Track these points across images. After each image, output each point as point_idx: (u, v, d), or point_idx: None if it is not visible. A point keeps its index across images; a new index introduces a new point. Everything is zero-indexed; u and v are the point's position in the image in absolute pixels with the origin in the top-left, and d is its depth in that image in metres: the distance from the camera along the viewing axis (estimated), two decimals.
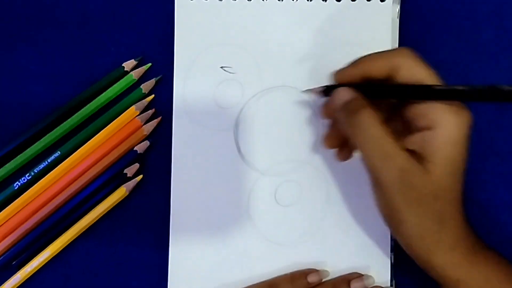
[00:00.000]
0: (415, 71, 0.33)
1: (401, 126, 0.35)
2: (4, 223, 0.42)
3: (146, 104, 0.43)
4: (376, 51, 0.42)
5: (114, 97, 0.43)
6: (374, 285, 0.42)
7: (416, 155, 0.33)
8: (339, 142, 0.39)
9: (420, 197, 0.33)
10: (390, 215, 0.35)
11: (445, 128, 0.32)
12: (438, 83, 0.33)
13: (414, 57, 0.34)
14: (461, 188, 0.34)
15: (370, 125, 0.33)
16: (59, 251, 0.42)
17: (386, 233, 0.42)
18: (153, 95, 0.43)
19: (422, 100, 0.33)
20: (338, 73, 0.36)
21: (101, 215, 0.42)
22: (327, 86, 0.37)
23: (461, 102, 0.33)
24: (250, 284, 0.42)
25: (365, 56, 0.35)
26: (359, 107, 0.34)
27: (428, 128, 0.33)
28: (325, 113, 0.39)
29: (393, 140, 0.33)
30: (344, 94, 0.35)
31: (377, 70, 0.34)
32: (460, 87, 0.32)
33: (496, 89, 0.31)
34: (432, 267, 0.35)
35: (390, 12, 0.43)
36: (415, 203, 0.33)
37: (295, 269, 0.42)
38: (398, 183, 0.33)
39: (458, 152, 0.33)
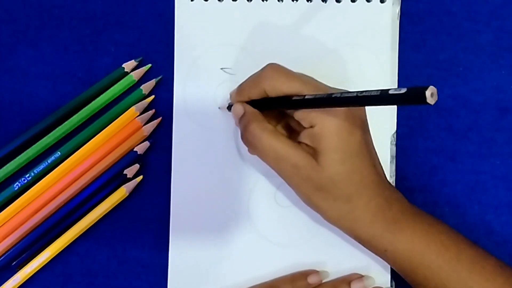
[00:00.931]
0: (277, 87, 0.37)
1: (298, 127, 0.38)
2: (4, 223, 0.42)
3: (146, 105, 0.43)
4: (376, 52, 0.43)
5: (114, 98, 0.43)
6: (374, 285, 0.42)
7: (309, 148, 0.36)
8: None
9: (320, 186, 0.36)
10: (307, 203, 0.38)
11: (321, 124, 0.35)
12: (304, 90, 0.36)
13: (275, 74, 0.37)
14: (365, 169, 0.36)
15: (259, 134, 0.37)
16: (59, 251, 0.42)
17: None
18: (153, 96, 0.43)
19: (290, 108, 0.37)
20: (232, 95, 0.41)
21: (101, 216, 0.42)
22: (229, 104, 0.42)
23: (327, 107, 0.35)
24: (250, 285, 0.42)
25: (243, 83, 0.40)
26: (249, 121, 0.38)
27: (310, 126, 0.36)
28: (237, 124, 0.42)
29: (283, 144, 0.37)
30: (237, 109, 0.39)
31: (254, 93, 0.39)
32: (311, 97, 0.35)
33: (330, 97, 0.33)
34: (360, 240, 0.39)
35: (390, 13, 0.43)
36: (318, 191, 0.36)
37: (295, 270, 0.42)
38: (296, 177, 0.37)
39: (341, 141, 0.35)
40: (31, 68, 0.44)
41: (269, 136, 0.37)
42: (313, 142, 0.36)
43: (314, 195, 0.37)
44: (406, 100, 0.27)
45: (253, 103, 0.39)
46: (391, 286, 0.42)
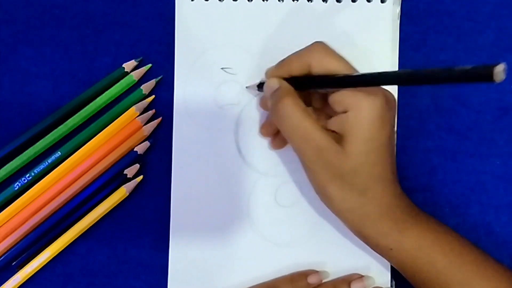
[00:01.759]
0: (324, 63, 0.36)
1: (331, 111, 0.38)
2: (4, 223, 0.42)
3: (146, 105, 0.43)
4: (376, 52, 0.43)
5: (114, 97, 0.43)
6: (374, 286, 0.42)
7: (337, 135, 0.36)
8: (274, 130, 0.42)
9: (340, 174, 0.36)
10: (320, 192, 0.38)
11: (357, 110, 0.35)
12: (349, 72, 0.36)
13: (323, 51, 0.37)
14: (386, 164, 0.36)
15: (290, 110, 0.36)
16: (59, 251, 0.42)
17: None
18: (153, 96, 0.43)
19: (331, 87, 0.36)
20: (269, 70, 0.40)
21: (101, 216, 0.42)
22: (261, 82, 0.41)
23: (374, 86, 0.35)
24: (250, 285, 0.42)
25: (285, 58, 0.39)
26: (283, 95, 0.37)
27: (344, 111, 0.36)
28: (262, 104, 0.42)
29: (311, 123, 0.36)
30: (272, 83, 0.38)
31: (296, 69, 0.38)
32: (359, 74, 0.35)
33: (391, 74, 0.33)
34: (365, 238, 0.38)
35: (391, 13, 0.43)
36: (337, 179, 0.36)
37: (295, 270, 0.42)
38: (318, 161, 0.36)
39: (373, 131, 0.35)
40: (32, 68, 0.44)
41: (301, 113, 0.36)
42: (342, 129, 0.36)
43: (330, 183, 0.36)
44: (473, 77, 0.27)
45: (289, 81, 0.38)
46: (391, 286, 0.42)
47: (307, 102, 0.39)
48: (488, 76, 0.26)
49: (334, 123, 0.36)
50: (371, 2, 0.43)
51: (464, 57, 0.44)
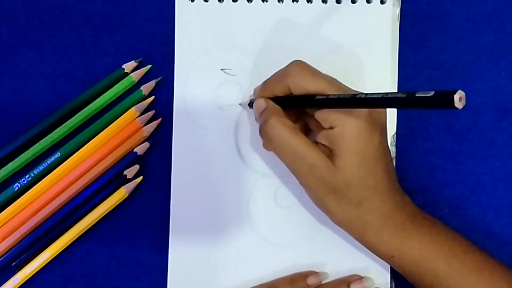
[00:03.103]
0: (301, 84, 0.37)
1: (318, 127, 0.38)
2: (4, 224, 0.42)
3: (146, 105, 0.43)
4: (376, 53, 0.43)
5: (114, 98, 0.43)
6: (374, 287, 0.42)
7: (327, 149, 0.36)
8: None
9: (334, 188, 0.36)
10: (318, 205, 0.38)
11: (342, 126, 0.35)
12: (328, 90, 0.36)
13: (300, 71, 0.37)
14: (379, 175, 0.36)
15: (278, 130, 0.37)
16: (59, 252, 0.42)
17: None
18: (153, 97, 0.43)
19: (312, 107, 0.37)
20: (256, 89, 0.41)
21: (101, 217, 0.42)
22: (251, 100, 0.42)
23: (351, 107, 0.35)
24: (250, 286, 0.42)
25: (267, 79, 0.40)
26: (269, 116, 0.37)
27: (330, 127, 0.36)
28: (256, 122, 0.41)
29: (301, 142, 0.36)
30: (259, 103, 0.39)
31: (277, 90, 0.38)
32: (334, 96, 0.35)
33: (361, 98, 0.33)
34: (368, 246, 0.38)
35: (391, 14, 0.43)
36: (331, 194, 0.36)
37: (295, 271, 0.42)
38: (311, 178, 0.36)
39: (360, 145, 0.35)
40: (31, 69, 0.44)
41: (289, 132, 0.37)
42: (331, 144, 0.36)
43: (326, 197, 0.37)
44: (432, 103, 0.27)
45: (275, 100, 0.39)
46: (391, 287, 0.42)
47: (297, 118, 0.40)
48: (449, 102, 0.26)
49: (323, 138, 0.37)
50: (371, 3, 0.43)
51: (464, 58, 0.44)
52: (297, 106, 0.38)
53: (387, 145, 0.37)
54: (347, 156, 0.35)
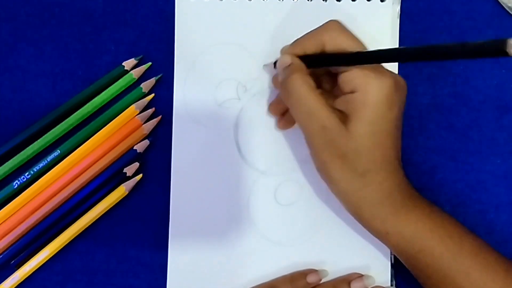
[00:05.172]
0: (338, 41, 0.36)
1: (339, 93, 0.38)
2: (3, 222, 0.42)
3: (146, 103, 0.43)
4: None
5: (114, 96, 0.43)
6: (375, 285, 0.42)
7: (343, 115, 0.36)
8: (282, 109, 0.42)
9: (342, 154, 0.35)
10: (321, 170, 0.38)
11: (365, 91, 0.35)
12: (362, 49, 0.36)
13: (338, 29, 0.37)
14: (389, 148, 0.36)
15: (299, 86, 0.36)
16: (58, 250, 0.42)
17: None
18: (153, 94, 0.43)
19: (343, 65, 0.36)
20: (284, 48, 0.40)
21: (101, 214, 0.42)
22: (277, 60, 0.41)
23: (382, 63, 0.36)
24: (250, 284, 0.42)
25: (301, 37, 0.39)
26: (293, 71, 0.37)
27: (352, 92, 0.36)
28: (275, 82, 0.42)
29: (318, 101, 0.36)
30: (285, 59, 0.38)
31: (310, 47, 0.38)
32: (370, 51, 0.35)
33: (403, 50, 0.33)
34: (362, 221, 0.38)
35: (390, 12, 0.43)
36: (339, 158, 0.36)
37: (295, 269, 0.42)
38: (321, 139, 0.36)
39: (379, 114, 0.35)
40: (31, 66, 0.44)
41: (309, 89, 0.36)
42: (348, 109, 0.36)
43: (332, 162, 0.36)
44: (484, 51, 0.28)
45: (302, 59, 0.38)
46: (392, 285, 0.42)
47: (318, 85, 0.39)
48: (501, 51, 0.26)
49: (341, 103, 0.36)
50: (371, 1, 0.43)
51: None
52: (328, 63, 0.38)
53: (402, 121, 0.37)
54: (363, 123, 0.35)
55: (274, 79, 0.42)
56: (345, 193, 0.37)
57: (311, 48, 0.38)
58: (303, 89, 0.36)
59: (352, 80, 0.35)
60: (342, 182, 0.37)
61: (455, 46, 0.29)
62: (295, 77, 0.37)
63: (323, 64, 0.38)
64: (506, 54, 0.26)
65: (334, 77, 0.38)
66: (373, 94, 0.35)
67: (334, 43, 0.37)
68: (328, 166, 0.36)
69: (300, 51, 0.38)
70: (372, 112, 0.35)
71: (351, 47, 0.36)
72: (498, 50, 0.26)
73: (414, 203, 0.37)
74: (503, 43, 0.26)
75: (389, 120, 0.35)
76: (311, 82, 0.37)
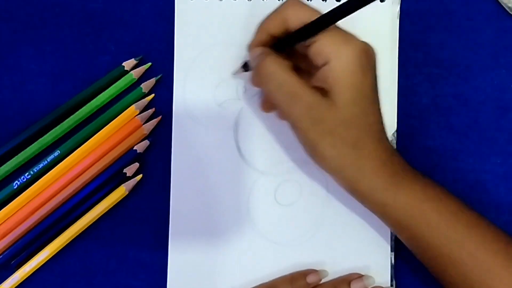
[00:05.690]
0: (300, 16, 0.36)
1: (313, 69, 0.37)
2: (3, 222, 0.42)
3: (146, 103, 0.43)
4: (376, 50, 0.43)
5: (114, 96, 0.43)
6: (375, 285, 0.41)
7: (323, 91, 0.36)
8: (273, 105, 0.41)
9: (331, 129, 0.35)
10: (311, 151, 0.37)
11: (338, 59, 0.35)
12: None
13: (297, 4, 0.37)
14: (375, 115, 0.36)
15: (274, 68, 0.36)
16: (58, 250, 0.42)
17: (386, 233, 0.42)
18: (153, 95, 0.43)
19: (310, 36, 0.36)
20: (250, 44, 0.40)
21: (101, 215, 0.42)
22: (245, 62, 0.41)
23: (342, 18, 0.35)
24: (249, 285, 0.42)
25: (262, 21, 0.39)
26: (264, 56, 0.37)
27: (325, 63, 0.35)
28: (252, 82, 0.40)
29: (297, 81, 0.36)
30: (254, 51, 0.38)
31: (274, 27, 0.38)
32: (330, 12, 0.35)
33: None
34: (360, 194, 0.38)
35: (390, 12, 0.43)
36: (328, 135, 0.35)
37: (295, 269, 0.42)
38: (308, 118, 0.35)
39: (356, 78, 0.35)
40: (31, 67, 0.44)
41: (286, 70, 0.36)
42: (326, 82, 0.35)
43: (322, 140, 0.36)
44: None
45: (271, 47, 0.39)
46: (392, 285, 0.42)
47: (291, 63, 0.39)
48: None
49: (318, 78, 0.36)
50: None
51: (464, 56, 0.44)
52: (295, 40, 0.37)
53: (377, 85, 0.37)
54: (343, 92, 0.35)
55: (251, 79, 0.40)
56: (340, 169, 0.37)
57: (275, 28, 0.38)
58: (279, 70, 0.36)
59: (323, 50, 0.35)
60: (335, 159, 0.36)
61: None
62: (268, 60, 0.36)
63: (292, 42, 0.38)
64: None
65: (306, 57, 0.37)
66: (345, 60, 0.35)
67: (297, 18, 0.36)
68: (318, 145, 0.36)
69: (266, 34, 0.38)
70: (349, 77, 0.35)
71: (313, 16, 0.36)
72: None
73: (409, 174, 0.37)
74: None
75: (367, 86, 0.35)
76: (285, 62, 0.37)
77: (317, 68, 0.36)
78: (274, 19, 0.38)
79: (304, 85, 0.36)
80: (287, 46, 0.38)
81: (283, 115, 0.37)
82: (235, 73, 0.43)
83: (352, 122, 0.35)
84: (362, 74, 0.35)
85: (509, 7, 0.43)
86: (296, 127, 0.37)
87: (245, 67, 0.41)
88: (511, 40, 0.44)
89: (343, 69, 0.35)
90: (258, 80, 0.38)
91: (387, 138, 0.38)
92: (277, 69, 0.36)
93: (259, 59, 0.37)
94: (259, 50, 0.38)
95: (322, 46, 0.35)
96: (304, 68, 0.39)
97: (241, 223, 0.42)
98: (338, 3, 0.34)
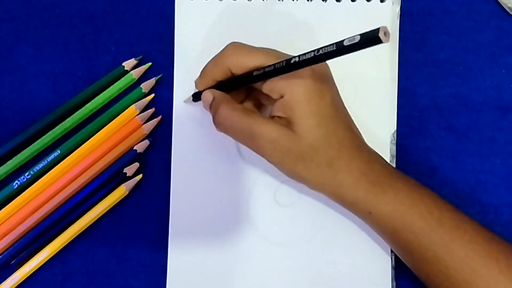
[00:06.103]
0: (240, 63, 0.37)
1: (271, 100, 0.38)
2: (3, 222, 0.42)
3: (146, 103, 0.43)
4: (375, 51, 0.42)
5: (114, 96, 0.43)
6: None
7: (284, 120, 0.36)
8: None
9: (301, 155, 0.36)
10: (291, 176, 0.38)
11: (291, 93, 0.36)
12: (268, 62, 0.36)
13: (237, 50, 0.38)
14: (345, 129, 0.37)
15: (229, 117, 0.37)
16: (58, 250, 0.42)
17: None
18: (153, 95, 0.43)
19: (257, 81, 0.37)
20: (197, 82, 0.41)
21: (101, 215, 0.42)
22: (193, 94, 0.42)
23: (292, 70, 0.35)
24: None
25: (205, 67, 0.40)
26: (217, 105, 0.38)
27: (280, 97, 0.36)
28: (216, 129, 0.41)
29: (255, 120, 0.37)
30: (206, 96, 0.39)
31: (218, 74, 0.39)
32: (271, 68, 0.35)
33: (298, 61, 0.33)
34: (344, 205, 0.38)
35: (390, 13, 0.43)
36: (300, 161, 0.36)
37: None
38: (276, 152, 0.36)
39: (314, 105, 0.35)
40: (31, 67, 0.44)
41: (241, 114, 0.37)
42: (285, 112, 0.36)
43: (296, 166, 0.37)
44: (362, 45, 0.29)
45: (219, 86, 0.39)
46: (392, 287, 0.42)
47: (248, 95, 0.40)
48: (376, 40, 0.28)
49: (277, 109, 0.37)
50: (371, 2, 0.43)
51: (464, 56, 0.44)
52: (241, 85, 0.38)
53: (341, 101, 0.38)
54: (305, 120, 0.35)
55: (206, 108, 0.40)
56: (320, 186, 0.38)
57: (219, 76, 0.39)
58: (235, 117, 0.37)
59: (274, 87, 0.36)
60: (314, 179, 0.37)
61: (337, 49, 0.31)
62: (222, 109, 0.37)
63: (239, 85, 0.38)
64: (380, 41, 0.28)
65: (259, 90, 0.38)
66: (299, 90, 0.35)
67: (239, 66, 0.37)
68: (295, 171, 0.37)
69: (211, 81, 0.39)
70: (306, 105, 0.35)
71: (256, 64, 0.36)
72: (374, 39, 0.28)
73: (390, 178, 0.37)
74: (376, 32, 0.28)
75: (326, 106, 0.36)
76: (239, 107, 0.38)
77: (274, 100, 0.37)
78: (215, 66, 0.39)
79: (263, 122, 0.36)
80: (235, 89, 0.39)
81: (256, 153, 0.38)
82: (186, 102, 0.43)
83: (320, 145, 0.36)
84: (318, 97, 0.36)
85: (509, 7, 0.43)
86: (269, 161, 0.38)
87: (195, 97, 0.42)
88: (511, 40, 0.44)
89: (298, 100, 0.35)
90: (218, 128, 0.39)
91: (365, 144, 0.38)
92: (233, 116, 0.37)
93: (213, 108, 0.38)
94: (210, 96, 0.39)
95: (273, 83, 0.36)
96: (262, 100, 0.40)
97: (240, 223, 0.42)
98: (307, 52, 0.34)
